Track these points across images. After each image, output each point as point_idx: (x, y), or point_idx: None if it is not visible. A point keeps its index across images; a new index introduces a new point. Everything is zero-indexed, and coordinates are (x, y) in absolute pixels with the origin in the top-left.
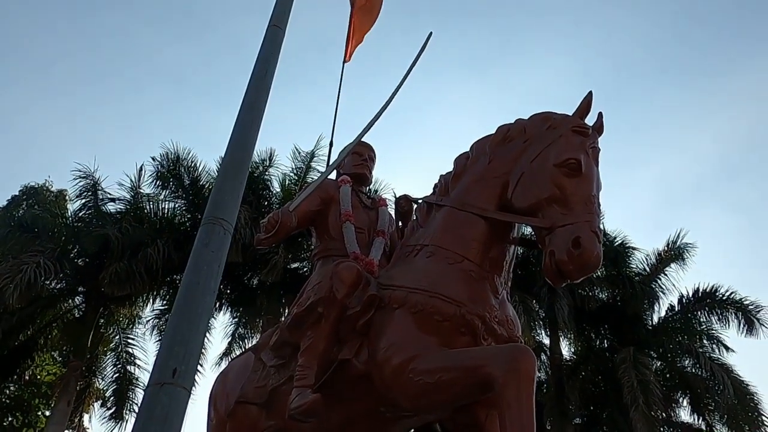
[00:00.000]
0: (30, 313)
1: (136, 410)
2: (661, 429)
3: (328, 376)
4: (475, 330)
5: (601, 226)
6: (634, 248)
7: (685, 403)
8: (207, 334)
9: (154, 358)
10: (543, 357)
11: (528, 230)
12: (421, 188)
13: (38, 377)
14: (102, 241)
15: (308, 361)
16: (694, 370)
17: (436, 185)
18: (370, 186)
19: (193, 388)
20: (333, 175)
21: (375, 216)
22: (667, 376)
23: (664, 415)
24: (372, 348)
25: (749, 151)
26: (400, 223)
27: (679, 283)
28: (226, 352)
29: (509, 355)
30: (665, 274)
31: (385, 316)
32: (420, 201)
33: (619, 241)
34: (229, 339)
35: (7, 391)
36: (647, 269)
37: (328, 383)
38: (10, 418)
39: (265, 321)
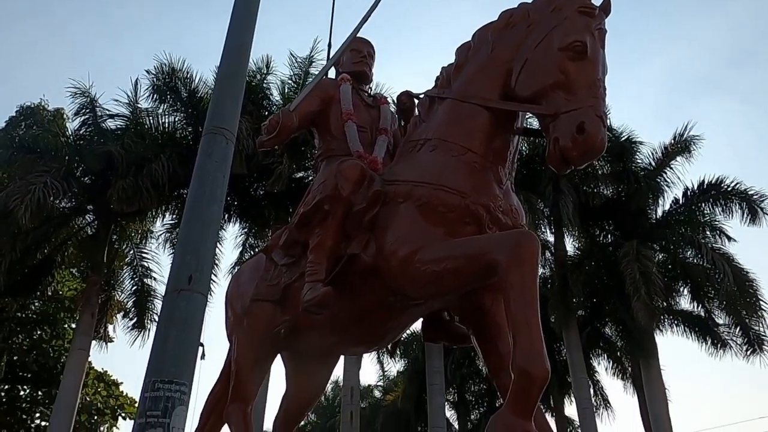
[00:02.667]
0: (44, 232)
1: (157, 318)
2: (662, 317)
3: (337, 271)
4: (479, 220)
5: (607, 111)
6: (640, 143)
7: (685, 292)
8: (219, 245)
9: (169, 268)
10: (548, 254)
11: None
12: (423, 88)
13: (60, 293)
14: (106, 159)
15: (318, 257)
16: (695, 261)
17: (437, 78)
18: (371, 86)
19: (209, 294)
20: (333, 75)
21: (377, 114)
22: (669, 267)
23: (664, 304)
24: (379, 242)
25: (761, 38)
26: (402, 122)
27: (684, 177)
28: (239, 261)
29: (513, 240)
30: (671, 168)
31: (390, 210)
32: (421, 95)
33: (626, 136)
34: (240, 249)
35: (33, 307)
36: (653, 164)
37: (338, 278)
38: (39, 332)
39: (273, 231)
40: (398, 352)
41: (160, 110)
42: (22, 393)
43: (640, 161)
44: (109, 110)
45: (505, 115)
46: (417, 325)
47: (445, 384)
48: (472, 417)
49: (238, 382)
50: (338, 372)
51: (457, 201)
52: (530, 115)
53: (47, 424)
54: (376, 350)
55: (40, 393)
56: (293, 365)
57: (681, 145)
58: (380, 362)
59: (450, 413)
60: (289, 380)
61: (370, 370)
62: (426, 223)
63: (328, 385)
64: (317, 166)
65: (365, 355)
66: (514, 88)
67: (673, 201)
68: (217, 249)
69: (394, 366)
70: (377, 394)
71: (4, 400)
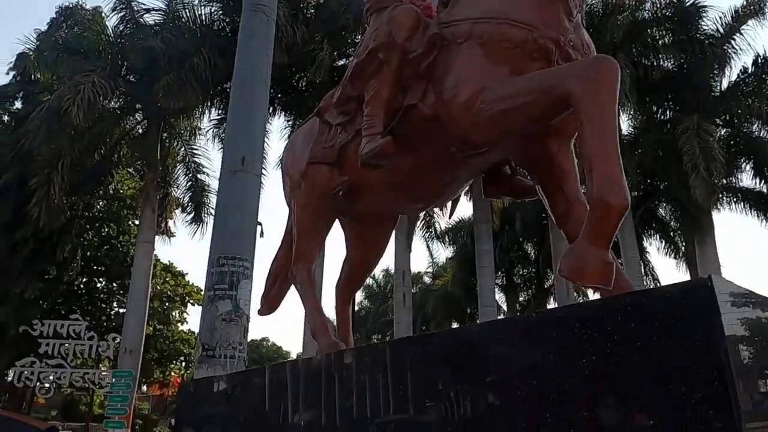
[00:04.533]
0: (98, 132)
1: (212, 212)
2: (721, 194)
3: (395, 124)
4: (548, 55)
5: None
6: (706, 7)
7: (748, 168)
8: (265, 139)
9: (222, 152)
10: None
11: None
12: None
13: (121, 192)
14: (148, 55)
15: (374, 110)
16: (762, 134)
17: None
18: None
19: (263, 175)
20: None
21: None
22: (731, 142)
23: (724, 181)
24: (438, 89)
25: None
26: None
27: (755, 42)
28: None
29: (588, 67)
30: (740, 34)
31: (449, 53)
32: None
33: (690, 1)
34: (286, 142)
35: (98, 206)
36: (720, 30)
37: (395, 131)
38: (106, 229)
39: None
40: (447, 239)
41: (196, 1)
42: (98, 285)
43: (705, 28)
44: (144, 3)
45: None
46: (465, 212)
47: (494, 268)
48: (521, 299)
49: (300, 243)
50: (389, 259)
51: (523, 35)
52: None
53: (125, 310)
54: (434, 207)
55: (114, 285)
56: (352, 229)
57: (754, 7)
58: (429, 250)
59: (499, 296)
60: (349, 244)
61: (420, 258)
62: (489, 62)
63: (379, 272)
64: (366, 21)
65: (414, 243)
66: None
67: (741, 70)
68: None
69: (443, 252)
70: (427, 280)
71: (83, 291)
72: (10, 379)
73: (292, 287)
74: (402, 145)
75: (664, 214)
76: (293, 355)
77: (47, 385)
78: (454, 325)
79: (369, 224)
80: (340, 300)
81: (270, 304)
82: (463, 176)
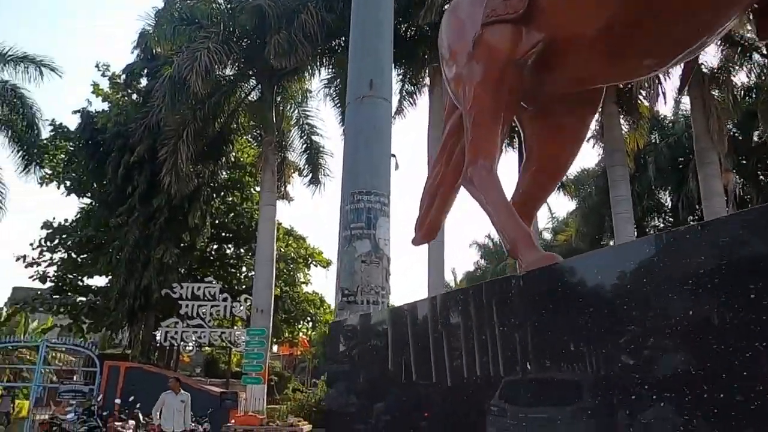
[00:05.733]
0: (216, 101)
1: (329, 174)
2: None
3: None
4: None
5: None
6: None
7: None
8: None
9: (334, 112)
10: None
11: None
12: None
13: (241, 160)
14: (257, 15)
15: None
16: None
17: None
18: None
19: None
20: None
21: None
22: None
23: None
24: None
25: None
26: None
27: None
28: (397, 111)
29: None
30: None
31: None
32: None
33: None
34: (398, 97)
35: (223, 175)
36: None
37: None
38: (231, 197)
39: (431, 71)
40: (569, 191)
41: None
42: (228, 251)
43: None
44: None
45: None
46: (588, 161)
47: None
48: None
49: (476, 136)
50: None
51: None
52: None
53: (254, 273)
54: (667, 67)
55: (242, 250)
56: (537, 120)
57: None
58: (547, 205)
59: None
60: (533, 142)
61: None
62: None
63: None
64: None
65: None
66: None
67: None
68: None
69: (564, 206)
70: (547, 236)
71: (215, 257)
72: (158, 338)
73: (454, 208)
74: None
75: None
76: None
77: (191, 344)
78: None
79: (561, 111)
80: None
81: (428, 230)
82: (716, 20)
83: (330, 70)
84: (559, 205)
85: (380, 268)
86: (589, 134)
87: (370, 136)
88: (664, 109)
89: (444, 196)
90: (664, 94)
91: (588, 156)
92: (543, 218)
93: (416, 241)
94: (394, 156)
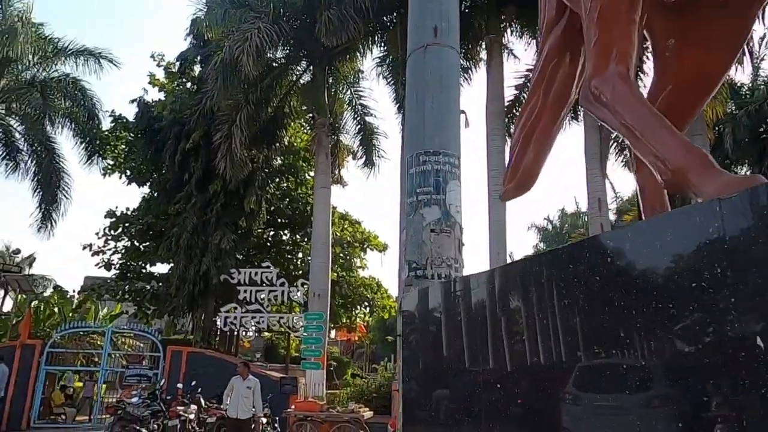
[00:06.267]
0: (269, 84)
1: (383, 155)
2: None
3: None
4: None
5: None
6: None
7: None
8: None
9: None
10: None
11: None
12: None
13: (295, 145)
14: None
15: None
16: None
17: None
18: None
19: (459, 51)
20: None
21: None
22: None
23: None
24: None
25: None
26: None
27: None
28: None
29: None
30: None
31: None
32: None
33: None
34: None
35: (277, 161)
36: None
37: None
38: (285, 183)
39: (488, 42)
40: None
41: None
42: (284, 237)
43: None
44: None
45: None
46: None
47: None
48: None
49: (605, 34)
50: (568, 193)
51: None
52: None
53: (310, 258)
54: None
55: (297, 236)
56: (678, 20)
57: None
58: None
59: None
60: (665, 56)
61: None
62: None
63: (554, 211)
64: None
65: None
66: None
67: None
68: None
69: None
70: (611, 217)
71: (271, 243)
72: (218, 324)
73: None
74: None
75: None
76: None
77: (250, 329)
78: None
79: (710, 15)
80: None
81: (522, 180)
82: None
83: (382, 48)
84: (624, 182)
85: (452, 237)
86: None
87: (436, 90)
88: (741, 76)
89: (542, 136)
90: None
91: None
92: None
93: (507, 195)
94: (463, 112)
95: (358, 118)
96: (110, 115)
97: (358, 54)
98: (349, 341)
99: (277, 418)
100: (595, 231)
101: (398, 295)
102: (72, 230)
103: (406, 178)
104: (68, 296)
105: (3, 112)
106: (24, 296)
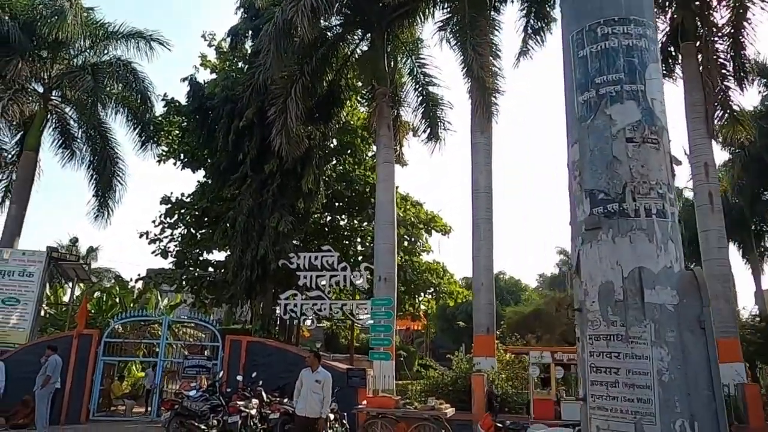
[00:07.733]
0: (324, 54)
1: (449, 128)
2: None
3: None
4: None
5: None
6: None
7: None
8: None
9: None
10: None
11: None
12: None
13: (351, 123)
14: None
15: None
16: None
17: None
18: None
19: None
20: None
21: None
22: None
23: None
24: None
25: None
26: None
27: None
28: (522, 51)
29: None
30: None
31: None
32: None
33: None
34: (522, 35)
35: (334, 141)
36: None
37: None
38: (342, 165)
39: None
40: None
41: None
42: (342, 222)
43: None
44: None
45: None
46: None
47: None
48: None
49: None
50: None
51: None
52: None
53: (363, 249)
54: None
55: (356, 221)
56: None
57: None
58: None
59: None
60: None
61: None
62: None
63: None
64: None
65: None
66: None
67: None
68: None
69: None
70: (688, 194)
71: (329, 228)
72: (278, 312)
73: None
74: None
75: None
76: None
77: (310, 317)
78: (733, 249)
79: None
80: None
81: None
82: None
83: (445, 11)
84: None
85: (660, 151)
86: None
87: None
88: None
89: None
90: None
91: (749, 96)
92: (684, 174)
93: None
94: None
95: (420, 89)
96: (162, 99)
97: (419, 18)
98: (408, 330)
99: (345, 414)
100: (702, 200)
101: (572, 249)
102: (133, 218)
103: (571, 65)
104: (129, 286)
105: (59, 99)
106: (82, 285)
